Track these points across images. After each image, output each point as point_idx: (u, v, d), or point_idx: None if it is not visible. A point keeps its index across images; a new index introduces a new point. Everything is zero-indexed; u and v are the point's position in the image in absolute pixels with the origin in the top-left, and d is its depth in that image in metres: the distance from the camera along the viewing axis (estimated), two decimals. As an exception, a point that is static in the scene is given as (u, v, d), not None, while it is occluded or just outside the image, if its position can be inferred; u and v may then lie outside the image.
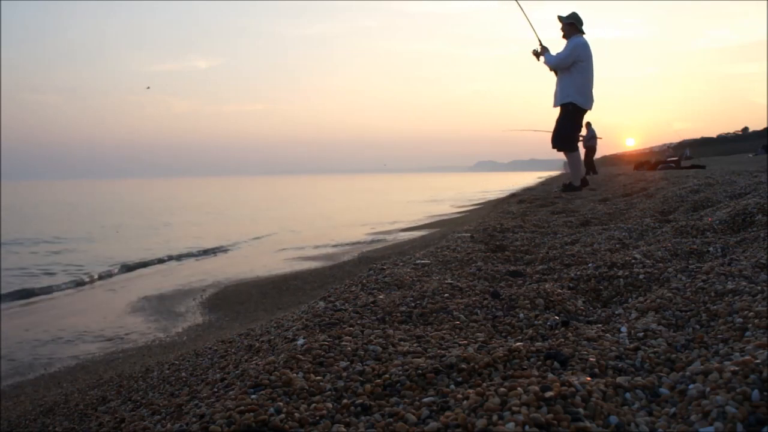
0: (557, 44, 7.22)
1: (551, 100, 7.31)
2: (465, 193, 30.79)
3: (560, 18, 7.06)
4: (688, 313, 1.40)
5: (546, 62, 7.10)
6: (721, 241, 2.30)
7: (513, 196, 10.10)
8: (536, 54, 7.19)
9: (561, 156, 7.96)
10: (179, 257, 9.37)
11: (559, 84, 7.10)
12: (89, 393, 2.21)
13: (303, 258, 8.09)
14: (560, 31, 7.10)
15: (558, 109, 7.23)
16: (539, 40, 7.21)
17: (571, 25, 6.99)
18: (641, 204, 4.35)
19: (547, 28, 7.30)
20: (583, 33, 7.04)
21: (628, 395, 0.97)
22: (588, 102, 7.08)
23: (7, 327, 4.91)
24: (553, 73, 7.23)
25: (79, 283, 7.10)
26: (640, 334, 1.29)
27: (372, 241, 9.26)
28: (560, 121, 7.20)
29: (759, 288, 1.45)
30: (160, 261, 8.95)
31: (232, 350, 1.77)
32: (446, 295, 1.77)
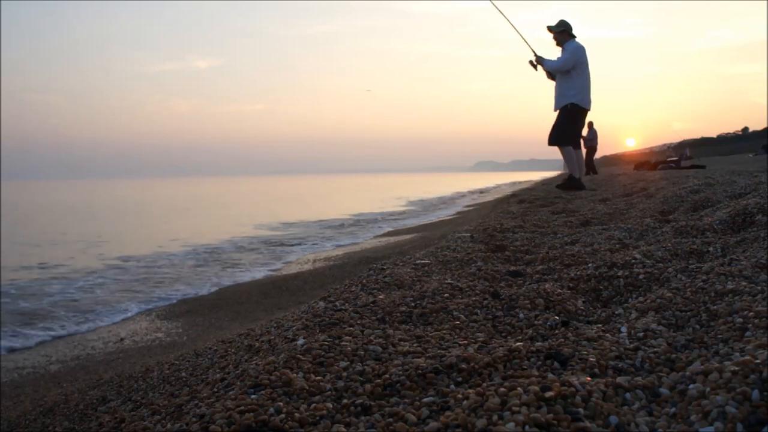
0: (550, 51, 7.36)
1: (552, 99, 7.41)
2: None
3: (550, 28, 7.28)
4: (688, 313, 1.40)
5: (548, 67, 7.22)
6: (721, 241, 2.30)
7: (513, 196, 10.10)
8: (533, 64, 7.32)
9: (560, 156, 8.02)
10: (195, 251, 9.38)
11: (559, 88, 7.23)
12: (89, 393, 2.21)
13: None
14: (553, 40, 7.28)
15: (557, 113, 7.34)
16: (533, 51, 7.34)
17: (563, 32, 7.22)
18: (641, 204, 4.35)
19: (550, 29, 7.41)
20: (575, 37, 7.21)
21: (628, 395, 0.97)
22: (587, 102, 7.22)
23: (7, 326, 4.90)
24: (550, 80, 7.37)
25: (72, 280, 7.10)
26: (640, 334, 1.29)
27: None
28: (559, 120, 7.30)
29: (759, 288, 1.45)
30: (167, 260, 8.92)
31: (232, 350, 1.77)
32: (446, 295, 1.77)
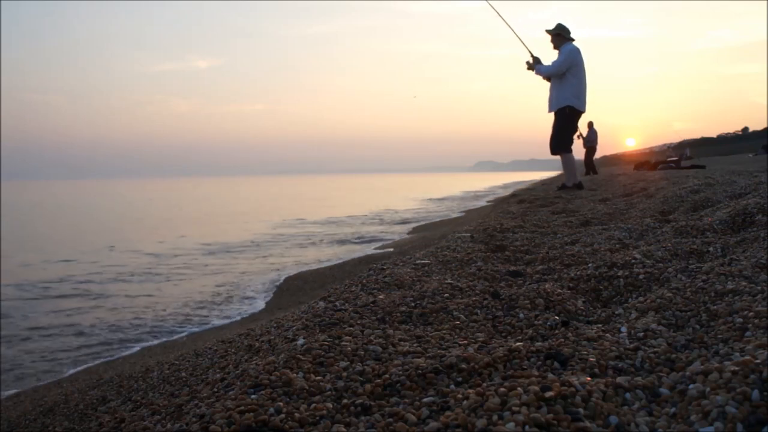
0: (549, 51, 7.39)
1: (546, 100, 7.45)
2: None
3: (548, 31, 7.36)
4: (688, 313, 1.40)
5: (542, 72, 7.28)
6: (721, 241, 2.30)
7: (513, 196, 10.11)
8: (530, 66, 7.38)
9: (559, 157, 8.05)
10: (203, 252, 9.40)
11: (554, 90, 7.28)
12: (89, 393, 2.21)
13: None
14: (550, 42, 7.40)
15: (553, 115, 7.37)
16: (530, 53, 7.39)
17: (559, 35, 7.32)
18: (641, 204, 4.35)
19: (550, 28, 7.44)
20: (572, 40, 7.27)
21: (628, 395, 0.97)
22: (583, 104, 7.28)
23: (6, 326, 4.91)
24: (546, 81, 7.42)
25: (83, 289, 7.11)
26: (640, 334, 1.29)
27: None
28: (558, 126, 7.34)
29: (759, 288, 1.45)
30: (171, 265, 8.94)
31: (232, 350, 1.77)
32: (446, 295, 1.77)
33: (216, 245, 10.38)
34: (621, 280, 1.84)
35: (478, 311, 1.62)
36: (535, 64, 7.33)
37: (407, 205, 20.16)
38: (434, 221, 12.55)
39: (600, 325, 1.44)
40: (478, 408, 0.95)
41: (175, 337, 4.27)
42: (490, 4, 7.44)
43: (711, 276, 1.64)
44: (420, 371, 1.16)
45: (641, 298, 1.61)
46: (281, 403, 1.06)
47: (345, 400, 1.09)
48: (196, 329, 4.47)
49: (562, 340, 1.30)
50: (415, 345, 1.35)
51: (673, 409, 0.91)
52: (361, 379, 1.17)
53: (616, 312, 1.57)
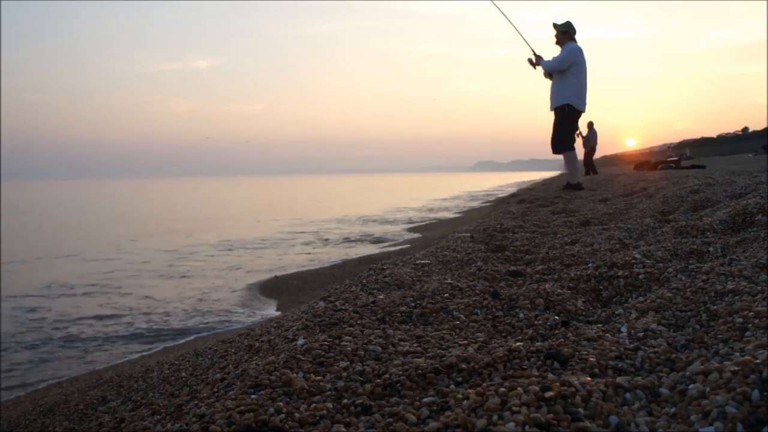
0: (549, 50, 7.42)
1: (548, 103, 7.47)
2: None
3: (555, 25, 7.40)
4: (688, 313, 1.40)
5: (544, 66, 7.31)
6: (721, 241, 2.30)
7: (513, 196, 10.12)
8: (531, 62, 7.42)
9: (561, 156, 8.07)
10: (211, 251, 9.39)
11: (555, 88, 7.31)
12: (89, 393, 2.21)
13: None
14: (554, 38, 7.37)
15: (553, 114, 7.39)
16: (532, 50, 7.43)
17: (565, 33, 7.36)
18: (641, 204, 4.35)
19: (547, 28, 7.46)
20: (575, 41, 7.29)
21: (628, 395, 0.97)
22: (583, 104, 7.30)
23: (7, 327, 4.91)
24: (547, 79, 7.45)
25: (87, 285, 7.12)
26: (640, 334, 1.29)
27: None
28: (558, 124, 7.36)
29: (759, 288, 1.45)
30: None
31: (232, 350, 1.77)
32: (446, 295, 1.77)
33: (219, 245, 10.37)
34: (621, 280, 1.84)
35: (478, 311, 1.62)
36: (538, 61, 7.37)
37: (410, 205, 20.15)
38: (435, 221, 12.55)
39: (600, 325, 1.44)
40: (478, 408, 0.95)
41: (172, 344, 4.27)
42: (494, 4, 7.47)
43: (711, 276, 1.64)
44: (420, 371, 1.16)
45: (641, 298, 1.61)
46: (281, 403, 1.06)
47: (345, 400, 1.09)
48: (200, 334, 4.47)
49: (562, 340, 1.30)
50: (415, 345, 1.35)
51: (673, 409, 0.91)
52: (361, 379, 1.17)
53: (616, 312, 1.57)
